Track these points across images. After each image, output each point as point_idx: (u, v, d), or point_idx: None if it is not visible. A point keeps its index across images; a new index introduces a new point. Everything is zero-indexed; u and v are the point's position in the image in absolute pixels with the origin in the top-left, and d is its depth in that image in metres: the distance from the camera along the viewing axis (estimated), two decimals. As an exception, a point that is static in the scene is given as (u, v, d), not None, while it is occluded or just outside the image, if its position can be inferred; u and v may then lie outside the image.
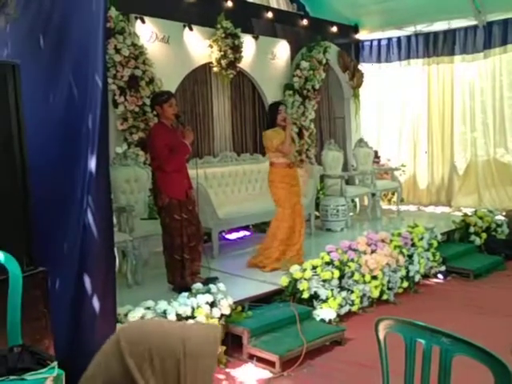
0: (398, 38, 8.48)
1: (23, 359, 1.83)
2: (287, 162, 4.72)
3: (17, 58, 2.54)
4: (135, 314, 3.17)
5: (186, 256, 4.13)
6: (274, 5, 7.49)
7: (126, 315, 3.16)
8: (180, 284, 4.09)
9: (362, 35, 8.56)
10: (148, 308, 3.32)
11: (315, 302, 4.13)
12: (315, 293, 4.15)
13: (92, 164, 2.71)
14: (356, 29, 8.45)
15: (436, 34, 8.15)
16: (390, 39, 8.55)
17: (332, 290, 4.21)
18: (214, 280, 4.06)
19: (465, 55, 7.91)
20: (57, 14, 2.90)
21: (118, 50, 5.10)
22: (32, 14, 2.99)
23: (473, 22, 7.64)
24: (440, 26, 8.02)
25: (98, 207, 2.73)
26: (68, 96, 2.84)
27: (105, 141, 2.77)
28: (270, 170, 4.80)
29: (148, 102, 5.30)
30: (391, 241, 5.04)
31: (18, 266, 2.11)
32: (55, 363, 1.90)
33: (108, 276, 2.81)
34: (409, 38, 8.39)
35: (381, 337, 1.84)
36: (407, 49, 8.41)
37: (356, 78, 8.01)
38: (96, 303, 2.76)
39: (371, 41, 8.68)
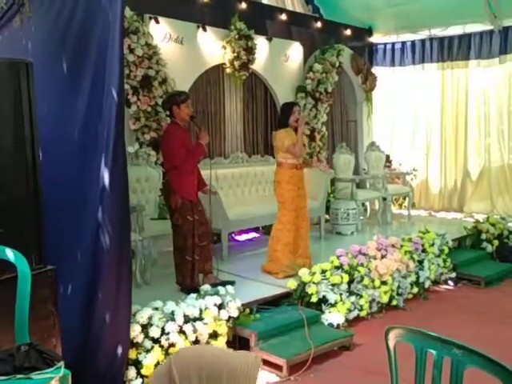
0: (413, 42, 8.42)
1: (30, 358, 1.82)
2: (295, 164, 4.65)
3: (36, 64, 2.54)
4: (143, 314, 3.16)
5: (196, 257, 4.15)
6: (289, 7, 7.47)
7: (134, 315, 3.15)
8: (190, 285, 4.09)
9: (375, 38, 8.51)
10: (156, 308, 3.31)
11: (324, 306, 4.10)
12: (324, 297, 4.12)
13: (105, 178, 2.71)
14: (370, 32, 8.39)
15: (451, 38, 8.08)
16: (404, 43, 8.49)
17: (341, 294, 4.18)
18: (230, 283, 4.02)
19: (480, 60, 7.82)
20: (75, 25, 2.91)
21: (131, 50, 5.12)
22: (52, 20, 3.01)
23: (488, 27, 7.55)
24: (455, 30, 7.94)
25: (111, 221, 2.73)
26: (86, 107, 2.85)
27: (120, 154, 2.75)
28: (278, 171, 4.70)
29: (161, 102, 5.32)
30: (401, 246, 5.00)
31: (27, 264, 2.11)
32: (62, 363, 1.89)
33: (121, 288, 2.81)
34: (423, 41, 8.32)
35: (391, 346, 1.81)
36: (421, 53, 8.34)
37: (369, 81, 7.97)
38: (107, 312, 2.76)
39: (385, 44, 8.61)
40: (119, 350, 2.84)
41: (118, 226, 2.77)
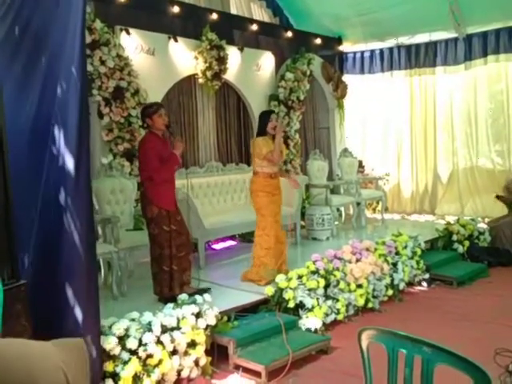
0: (381, 50, 8.63)
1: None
2: (270, 172, 4.68)
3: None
4: (119, 326, 3.14)
5: (174, 267, 4.12)
6: (256, 18, 7.57)
7: (110, 327, 3.13)
8: (168, 295, 4.07)
9: (345, 47, 8.69)
10: (133, 320, 3.29)
11: (301, 311, 4.14)
12: (301, 302, 4.16)
13: (70, 164, 2.72)
14: (340, 41, 8.56)
15: (418, 46, 8.31)
16: (372, 51, 8.69)
17: (317, 298, 4.23)
18: (206, 291, 4.04)
19: (446, 67, 8.07)
20: (34, 22, 2.93)
21: (103, 62, 5.11)
22: (9, 19, 3.00)
23: (453, 35, 7.80)
24: (421, 38, 8.19)
25: (78, 213, 2.72)
26: (39, 98, 2.86)
27: (83, 142, 2.77)
28: (253, 179, 4.75)
29: (133, 113, 5.32)
30: (376, 249, 5.09)
31: (0, 279, 2.09)
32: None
33: (89, 285, 2.80)
34: (391, 49, 8.54)
35: (364, 346, 1.86)
36: (390, 60, 8.56)
37: (340, 88, 8.11)
38: (78, 311, 2.73)
39: (354, 53, 8.81)
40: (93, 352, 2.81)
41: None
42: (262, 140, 4.67)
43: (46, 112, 2.84)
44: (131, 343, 3.10)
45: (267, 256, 4.63)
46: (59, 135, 2.78)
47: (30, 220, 2.79)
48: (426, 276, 5.43)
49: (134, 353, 3.11)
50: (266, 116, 4.78)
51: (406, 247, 5.34)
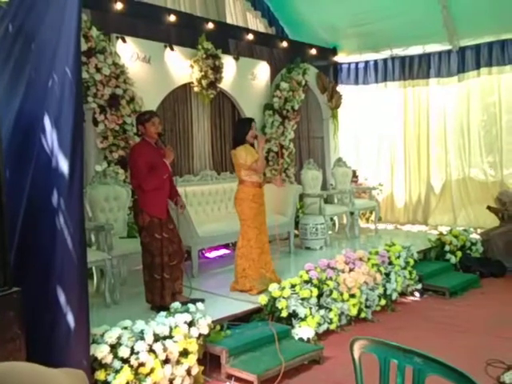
0: (375, 61, 8.71)
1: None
2: (259, 182, 4.64)
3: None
4: (112, 334, 3.13)
5: (165, 275, 4.11)
6: (252, 27, 7.63)
7: (102, 335, 3.12)
8: (159, 303, 4.06)
9: (340, 58, 8.76)
10: (125, 328, 3.28)
11: (294, 321, 4.14)
12: (294, 311, 4.16)
13: (64, 167, 2.71)
14: (334, 51, 8.64)
15: (411, 57, 8.40)
16: (367, 62, 8.77)
17: (310, 308, 4.23)
18: (199, 301, 4.02)
19: (440, 78, 8.16)
20: (26, 24, 2.95)
21: (98, 69, 5.13)
22: (5, 22, 3.02)
23: (447, 47, 7.90)
24: (415, 50, 8.27)
25: (71, 219, 2.71)
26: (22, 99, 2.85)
27: (78, 146, 2.77)
28: (241, 189, 4.64)
29: (128, 120, 5.34)
30: (369, 259, 5.11)
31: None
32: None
33: (81, 292, 2.79)
34: (385, 61, 8.62)
35: (356, 357, 1.86)
36: (384, 72, 8.64)
37: (334, 99, 8.18)
38: (70, 317, 2.72)
39: (349, 63, 8.88)
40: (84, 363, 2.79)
41: (77, 227, 2.76)
42: (244, 150, 4.57)
43: (32, 109, 2.83)
44: (123, 352, 3.09)
45: (251, 268, 4.58)
46: (52, 137, 2.77)
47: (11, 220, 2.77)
48: (419, 286, 5.45)
49: (125, 361, 3.09)
50: (245, 124, 4.66)
51: (398, 257, 5.36)
